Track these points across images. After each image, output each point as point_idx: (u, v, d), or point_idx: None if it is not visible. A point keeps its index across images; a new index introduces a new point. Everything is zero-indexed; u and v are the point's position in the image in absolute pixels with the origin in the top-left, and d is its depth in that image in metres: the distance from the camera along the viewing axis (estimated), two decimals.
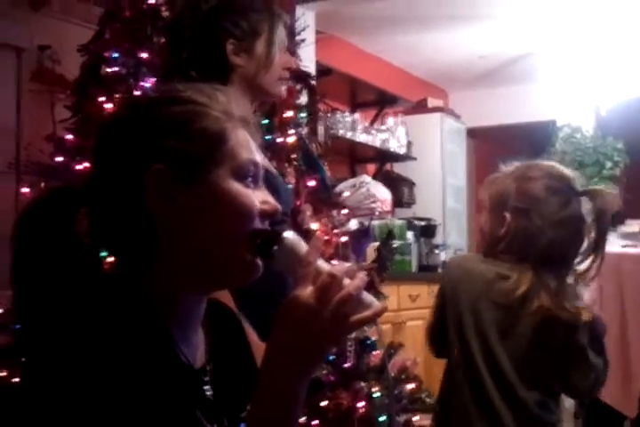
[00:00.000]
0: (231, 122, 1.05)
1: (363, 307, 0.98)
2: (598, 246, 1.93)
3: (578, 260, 1.96)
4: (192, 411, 1.01)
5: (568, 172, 2.01)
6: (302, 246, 1.02)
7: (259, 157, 1.08)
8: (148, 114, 1.05)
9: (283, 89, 2.07)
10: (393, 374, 3.03)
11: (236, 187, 1.03)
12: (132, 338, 0.95)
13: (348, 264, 1.00)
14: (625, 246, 5.20)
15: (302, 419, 2.39)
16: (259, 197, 1.05)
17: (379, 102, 6.12)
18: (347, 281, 0.97)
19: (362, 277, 0.98)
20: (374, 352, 2.92)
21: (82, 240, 1.06)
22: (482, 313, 1.94)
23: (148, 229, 1.02)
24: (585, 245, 1.95)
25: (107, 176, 1.05)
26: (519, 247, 1.94)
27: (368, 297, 1.00)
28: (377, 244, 4.77)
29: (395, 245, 2.54)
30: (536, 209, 1.93)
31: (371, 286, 2.12)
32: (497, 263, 1.96)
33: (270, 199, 1.07)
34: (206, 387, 1.08)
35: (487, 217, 2.03)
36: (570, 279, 1.97)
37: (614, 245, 5.48)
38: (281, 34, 2.00)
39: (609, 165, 6.40)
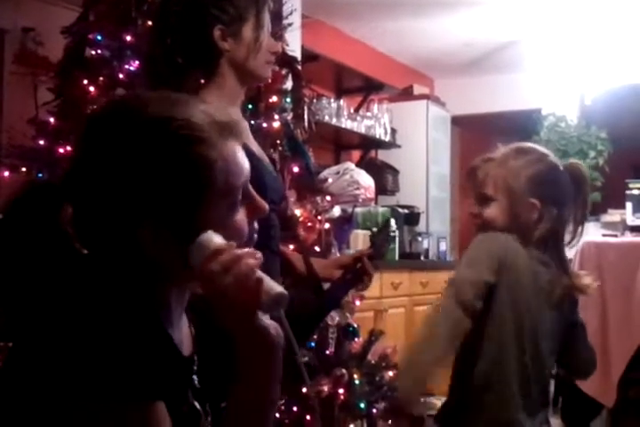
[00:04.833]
0: (220, 141, 1.02)
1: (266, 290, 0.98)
2: (584, 216, 1.99)
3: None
4: (184, 392, 1.02)
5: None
6: (212, 241, 1.01)
7: (247, 172, 1.06)
8: (131, 142, 1.00)
9: (270, 72, 2.07)
10: (373, 362, 3.04)
11: (230, 222, 1.03)
12: (125, 320, 0.94)
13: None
14: (605, 236, 5.24)
15: (283, 406, 2.39)
16: (244, 203, 1.06)
17: (364, 89, 6.09)
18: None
19: (258, 255, 0.99)
20: (356, 339, 2.93)
21: (66, 229, 1.05)
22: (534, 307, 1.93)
23: (138, 253, 1.02)
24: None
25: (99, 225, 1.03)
26: (548, 234, 1.94)
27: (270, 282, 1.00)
28: (368, 231, 4.79)
29: (392, 234, 2.48)
30: (563, 197, 1.96)
31: (365, 273, 2.13)
32: (536, 252, 1.94)
33: (257, 202, 1.08)
34: (194, 376, 1.09)
35: (505, 202, 1.95)
36: None
37: (595, 234, 5.52)
38: (267, 18, 2.00)
39: (592, 154, 6.43)
